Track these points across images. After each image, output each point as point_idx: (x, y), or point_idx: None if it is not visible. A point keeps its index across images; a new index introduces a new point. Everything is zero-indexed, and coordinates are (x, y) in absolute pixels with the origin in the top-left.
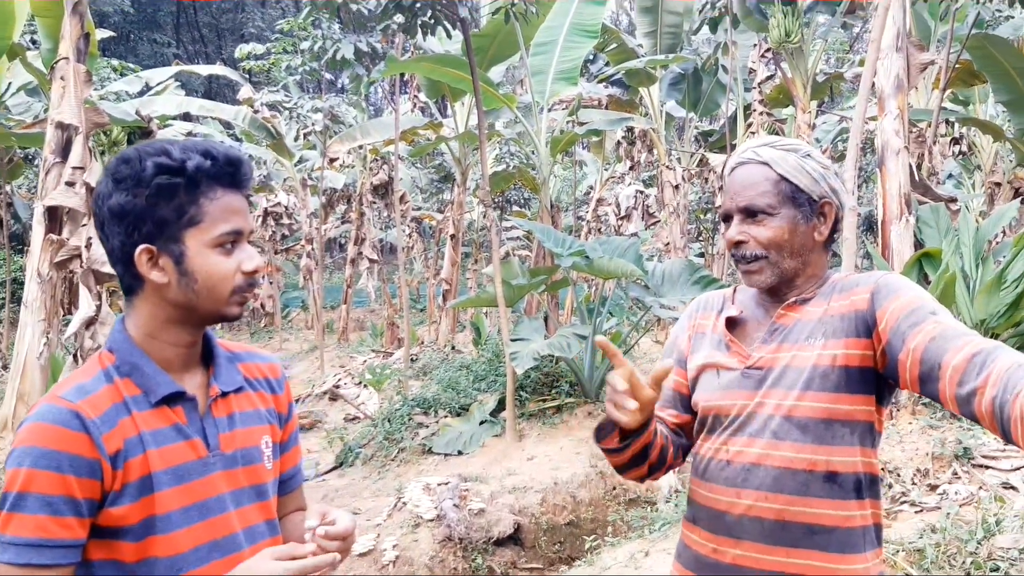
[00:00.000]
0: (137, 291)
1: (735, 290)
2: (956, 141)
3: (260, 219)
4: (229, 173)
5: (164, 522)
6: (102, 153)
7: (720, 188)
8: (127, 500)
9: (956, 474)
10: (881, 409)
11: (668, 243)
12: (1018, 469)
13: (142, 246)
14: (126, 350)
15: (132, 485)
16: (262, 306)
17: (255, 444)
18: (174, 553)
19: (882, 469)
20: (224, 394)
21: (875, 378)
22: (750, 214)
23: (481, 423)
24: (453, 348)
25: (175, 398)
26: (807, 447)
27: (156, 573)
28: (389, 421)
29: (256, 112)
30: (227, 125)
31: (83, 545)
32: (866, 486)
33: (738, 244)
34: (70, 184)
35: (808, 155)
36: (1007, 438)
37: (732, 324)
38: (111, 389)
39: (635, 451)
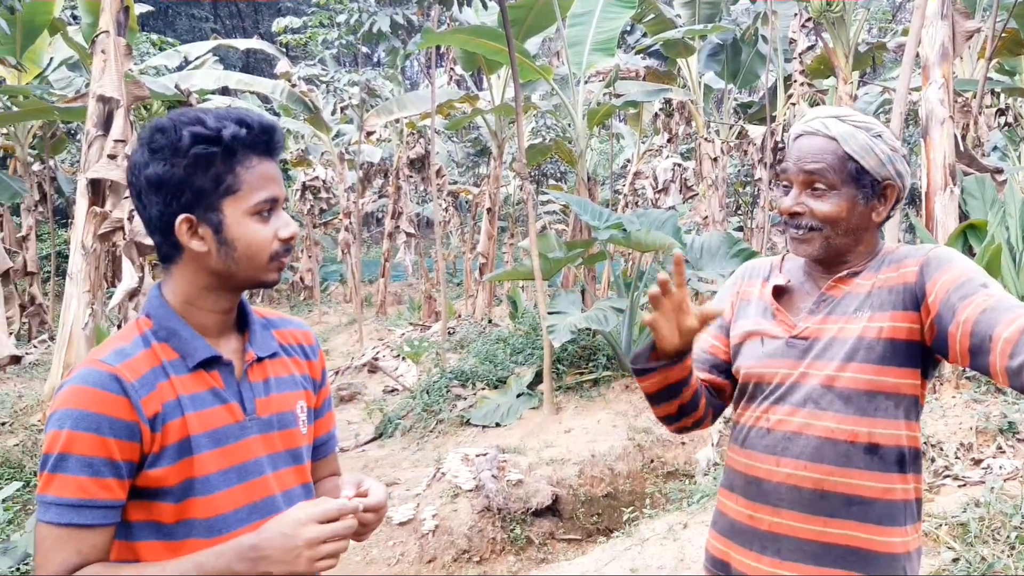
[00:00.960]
0: (175, 259)
1: (783, 258)
2: (1002, 112)
3: (298, 193)
4: (264, 141)
5: (203, 484)
6: (143, 127)
7: (759, 161)
8: (166, 462)
9: (1000, 448)
10: (925, 383)
11: (706, 216)
12: None
13: (182, 215)
14: (163, 315)
15: (171, 448)
16: (301, 279)
17: (290, 409)
18: (213, 515)
19: (925, 443)
20: (260, 359)
21: (921, 351)
22: (810, 185)
23: (518, 395)
24: (490, 321)
25: (212, 362)
26: (849, 418)
27: (195, 534)
28: (427, 393)
29: (294, 86)
30: (265, 99)
31: (123, 506)
32: (909, 460)
33: (794, 215)
34: (112, 157)
35: (879, 135)
36: None
37: (779, 293)
38: (149, 353)
39: (669, 381)
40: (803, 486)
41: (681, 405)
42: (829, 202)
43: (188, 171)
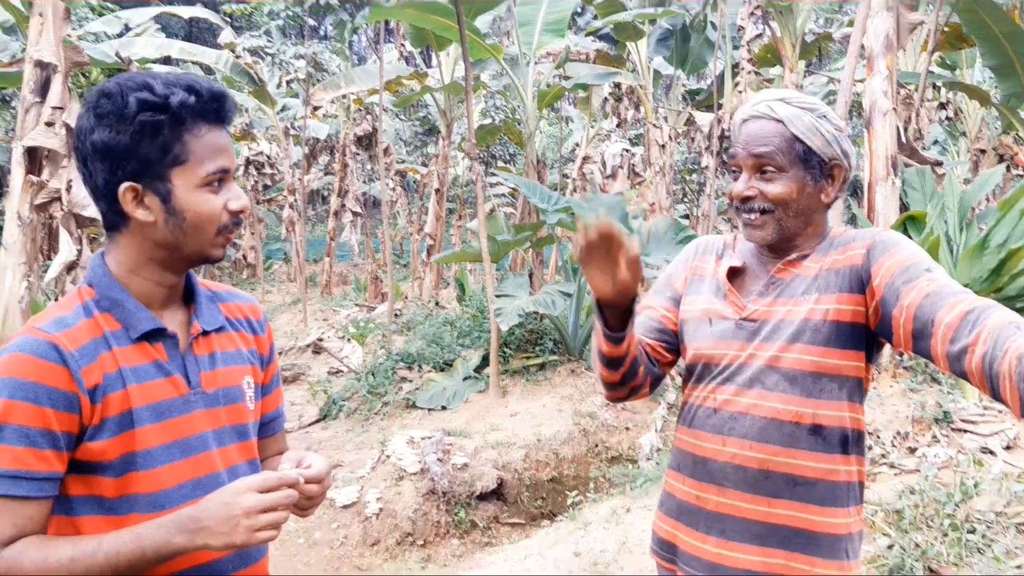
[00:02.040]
0: (121, 228)
1: (735, 238)
2: (943, 106)
3: (242, 168)
4: (214, 109)
5: (145, 458)
6: (81, 95)
7: (707, 148)
8: (106, 435)
9: (935, 437)
10: (870, 367)
11: (653, 203)
12: (997, 433)
13: (126, 184)
14: (106, 285)
15: (112, 420)
16: (244, 257)
17: (237, 384)
18: (156, 490)
19: None
20: (205, 333)
21: (866, 334)
22: (759, 169)
23: (465, 379)
24: (437, 304)
25: (156, 335)
26: (794, 399)
27: (137, 509)
28: (373, 375)
29: (238, 57)
30: (208, 70)
31: (60, 479)
32: (852, 441)
33: (745, 199)
34: (49, 124)
35: (824, 116)
36: (995, 395)
37: (732, 274)
38: (90, 323)
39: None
40: (748, 466)
41: (624, 373)
42: (779, 184)
43: (134, 139)
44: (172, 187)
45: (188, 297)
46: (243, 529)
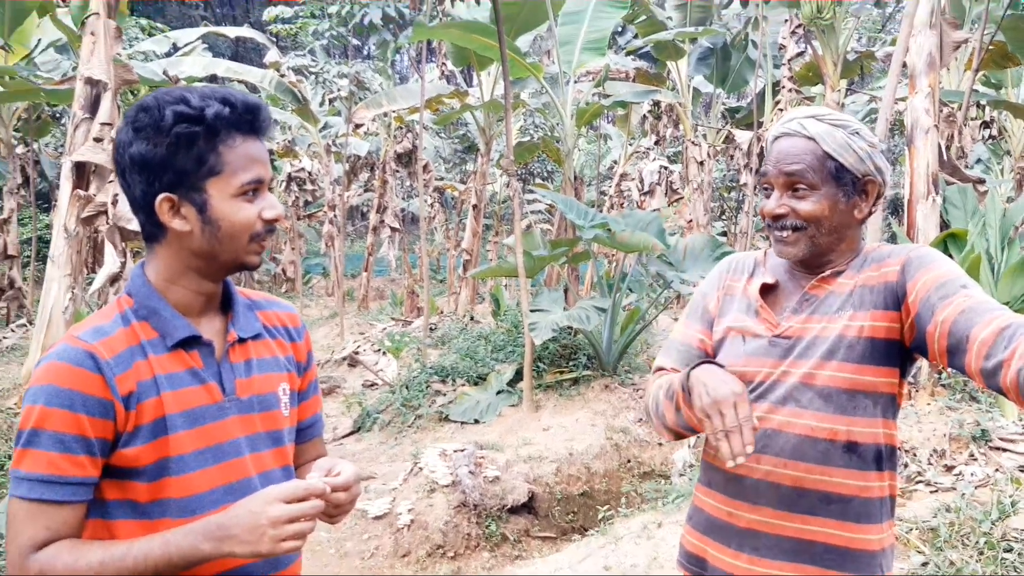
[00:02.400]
0: (159, 239)
1: (766, 254)
2: (987, 125)
3: (284, 184)
4: (248, 120)
5: (178, 464)
6: None
7: (745, 166)
8: (140, 441)
9: (973, 456)
10: (903, 382)
11: (691, 220)
12: None
13: (163, 195)
14: (144, 294)
15: (146, 427)
16: (283, 271)
17: (272, 391)
18: (187, 494)
19: (898, 449)
20: (242, 340)
21: (900, 350)
22: (791, 186)
23: (498, 393)
24: (472, 319)
25: (191, 342)
26: (828, 416)
27: (170, 514)
28: (407, 388)
29: (282, 76)
30: (253, 88)
31: (95, 483)
32: (886, 457)
33: (777, 217)
34: (98, 140)
35: (856, 132)
36: None
37: (764, 291)
38: (127, 332)
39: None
40: (782, 483)
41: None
42: (811, 201)
43: (170, 150)
44: (208, 197)
45: (226, 305)
46: (268, 539)
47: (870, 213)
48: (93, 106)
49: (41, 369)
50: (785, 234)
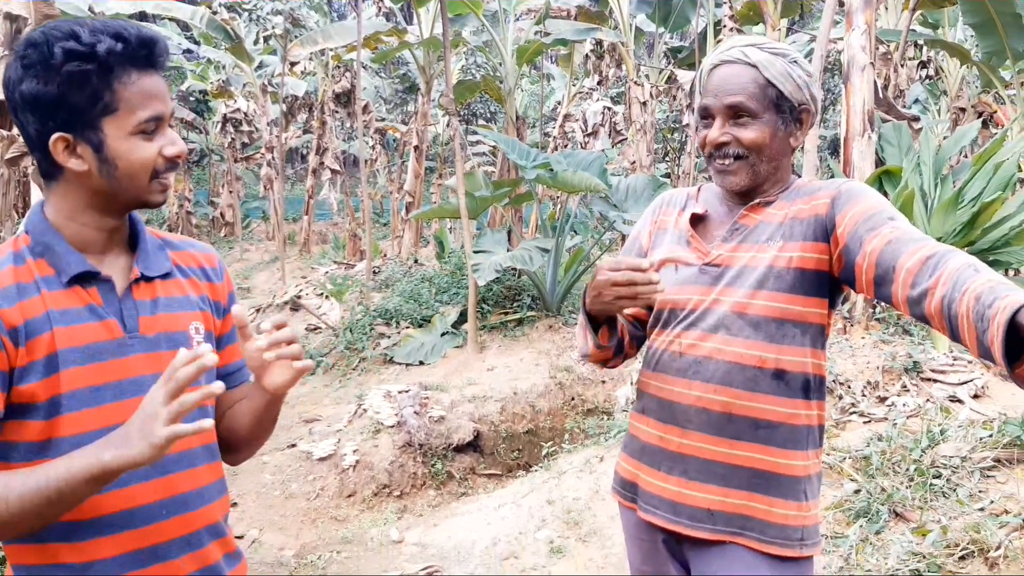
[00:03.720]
0: (57, 177)
1: (699, 189)
2: (923, 65)
3: (219, 126)
4: (144, 55)
5: (70, 400)
6: None
7: (688, 107)
8: (35, 378)
9: (905, 387)
10: (831, 313)
11: (634, 161)
12: (965, 383)
13: (56, 135)
14: (41, 231)
15: (38, 363)
16: (222, 215)
17: (182, 329)
18: (80, 432)
19: (833, 381)
20: (149, 279)
21: (829, 281)
22: (735, 115)
23: (443, 334)
24: (416, 261)
25: (88, 278)
26: (758, 344)
27: (63, 452)
28: (351, 331)
29: (215, 13)
30: (184, 27)
31: (2, 419)
32: (814, 387)
33: (720, 145)
34: None
35: (795, 61)
36: (954, 336)
37: (695, 221)
38: (19, 269)
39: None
40: (712, 409)
41: (615, 348)
42: (753, 129)
43: (62, 89)
44: (104, 136)
45: (133, 244)
46: (161, 423)
47: (801, 142)
48: (13, 43)
49: None
50: (727, 163)
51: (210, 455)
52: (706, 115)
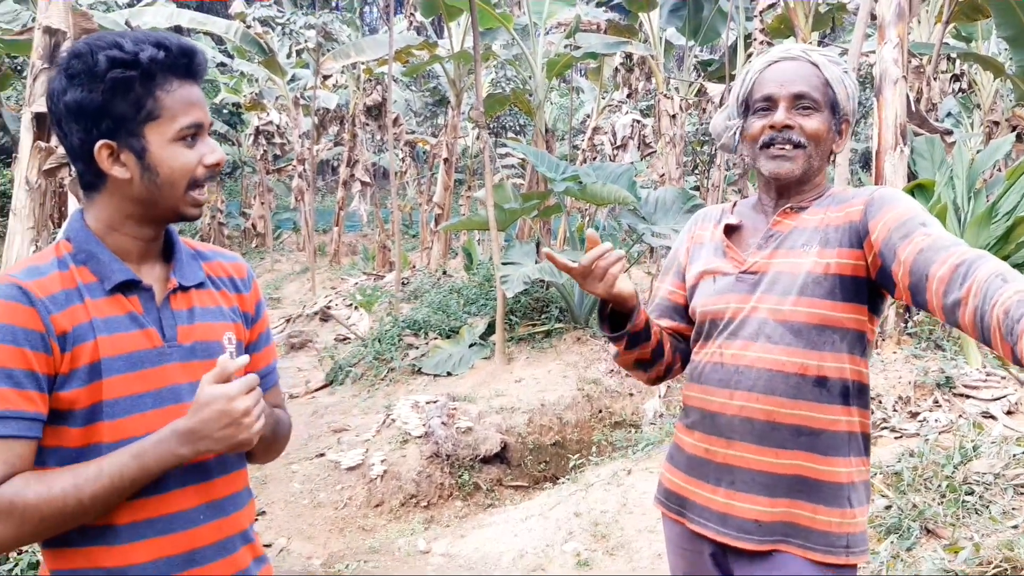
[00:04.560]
0: (99, 188)
1: (734, 204)
2: (957, 78)
3: (251, 138)
4: (184, 64)
5: (112, 407)
6: None
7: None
8: (77, 384)
9: (937, 402)
10: (874, 319)
11: (663, 174)
12: (998, 399)
13: (101, 142)
14: (83, 239)
15: (81, 370)
16: (253, 226)
17: (216, 339)
18: (120, 439)
19: None
20: (185, 289)
21: (868, 287)
22: (799, 103)
23: (471, 345)
24: (444, 273)
25: (131, 287)
26: (799, 351)
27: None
28: (379, 341)
29: (248, 27)
30: (219, 40)
31: (44, 421)
32: (853, 393)
33: (785, 128)
34: None
35: (847, 71)
36: (989, 346)
37: (730, 232)
38: (64, 275)
39: (630, 332)
40: (755, 418)
41: (653, 351)
42: (816, 120)
43: (106, 96)
44: (146, 143)
45: (168, 254)
46: (244, 428)
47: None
48: (52, 56)
49: None
50: (786, 149)
51: (240, 460)
52: (767, 103)
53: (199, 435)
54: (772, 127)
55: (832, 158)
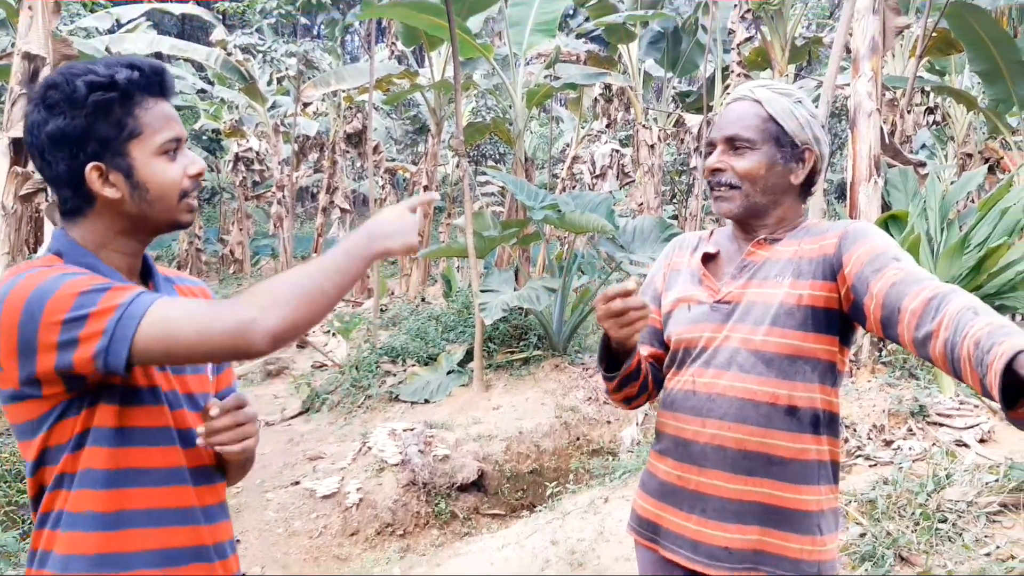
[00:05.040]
0: (84, 212)
1: (712, 232)
2: (931, 111)
3: (231, 164)
4: (157, 82)
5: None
6: None
7: (695, 149)
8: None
9: (911, 431)
10: (845, 350)
11: (642, 203)
12: (971, 427)
13: (91, 164)
14: (77, 252)
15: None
16: (231, 252)
17: None
18: (123, 424)
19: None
20: None
21: (840, 319)
22: (732, 145)
23: (448, 373)
24: (423, 300)
25: None
26: (770, 380)
27: (135, 443)
28: (357, 369)
29: (229, 54)
30: (199, 67)
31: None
32: (824, 422)
33: (715, 171)
34: None
35: (799, 101)
36: (959, 378)
37: (707, 260)
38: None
39: (629, 370)
40: (727, 446)
41: (640, 385)
42: (748, 159)
43: (89, 120)
44: (132, 160)
45: (145, 276)
46: (414, 234)
47: (808, 182)
48: (31, 81)
49: (24, 282)
50: (722, 190)
51: (222, 474)
52: (709, 148)
53: (386, 233)
54: (710, 170)
55: (803, 188)
